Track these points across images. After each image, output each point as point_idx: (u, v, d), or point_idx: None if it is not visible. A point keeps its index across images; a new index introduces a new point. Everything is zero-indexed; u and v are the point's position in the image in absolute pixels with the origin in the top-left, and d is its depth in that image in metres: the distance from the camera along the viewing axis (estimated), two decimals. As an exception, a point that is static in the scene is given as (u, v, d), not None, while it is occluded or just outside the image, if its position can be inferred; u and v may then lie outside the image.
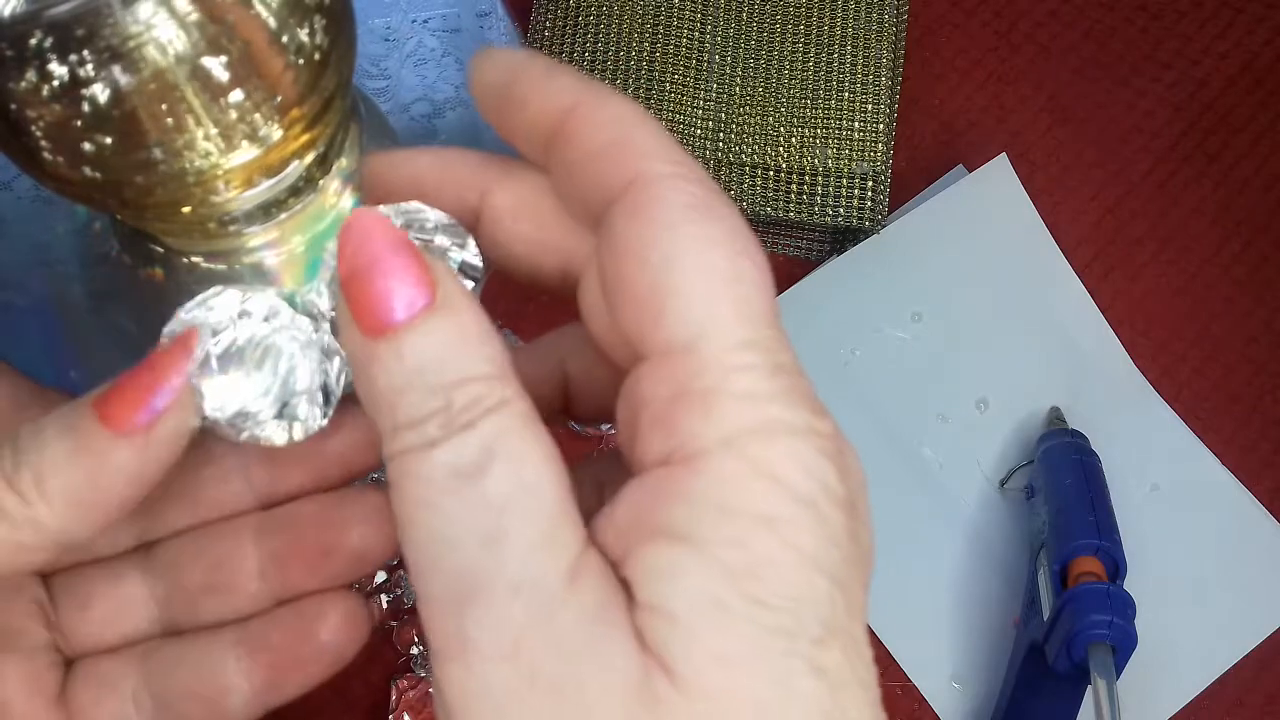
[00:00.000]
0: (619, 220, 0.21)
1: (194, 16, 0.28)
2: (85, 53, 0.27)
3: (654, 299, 0.20)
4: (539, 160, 0.23)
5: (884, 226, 0.50)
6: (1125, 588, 0.42)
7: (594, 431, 0.48)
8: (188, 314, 0.23)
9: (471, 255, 0.23)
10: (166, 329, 0.23)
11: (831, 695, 0.19)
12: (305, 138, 0.32)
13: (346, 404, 0.24)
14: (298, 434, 0.24)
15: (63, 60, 0.27)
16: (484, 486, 0.19)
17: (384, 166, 0.24)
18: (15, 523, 0.22)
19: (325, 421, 0.24)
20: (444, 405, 0.20)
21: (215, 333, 0.23)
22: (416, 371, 0.20)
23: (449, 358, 0.20)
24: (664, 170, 0.21)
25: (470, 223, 0.24)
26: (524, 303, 0.49)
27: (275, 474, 0.25)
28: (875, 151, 0.49)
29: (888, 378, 0.50)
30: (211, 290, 0.23)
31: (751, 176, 0.50)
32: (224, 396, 0.23)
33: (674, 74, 0.50)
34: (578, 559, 0.19)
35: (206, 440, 0.24)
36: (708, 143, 0.49)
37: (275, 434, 0.24)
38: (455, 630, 0.19)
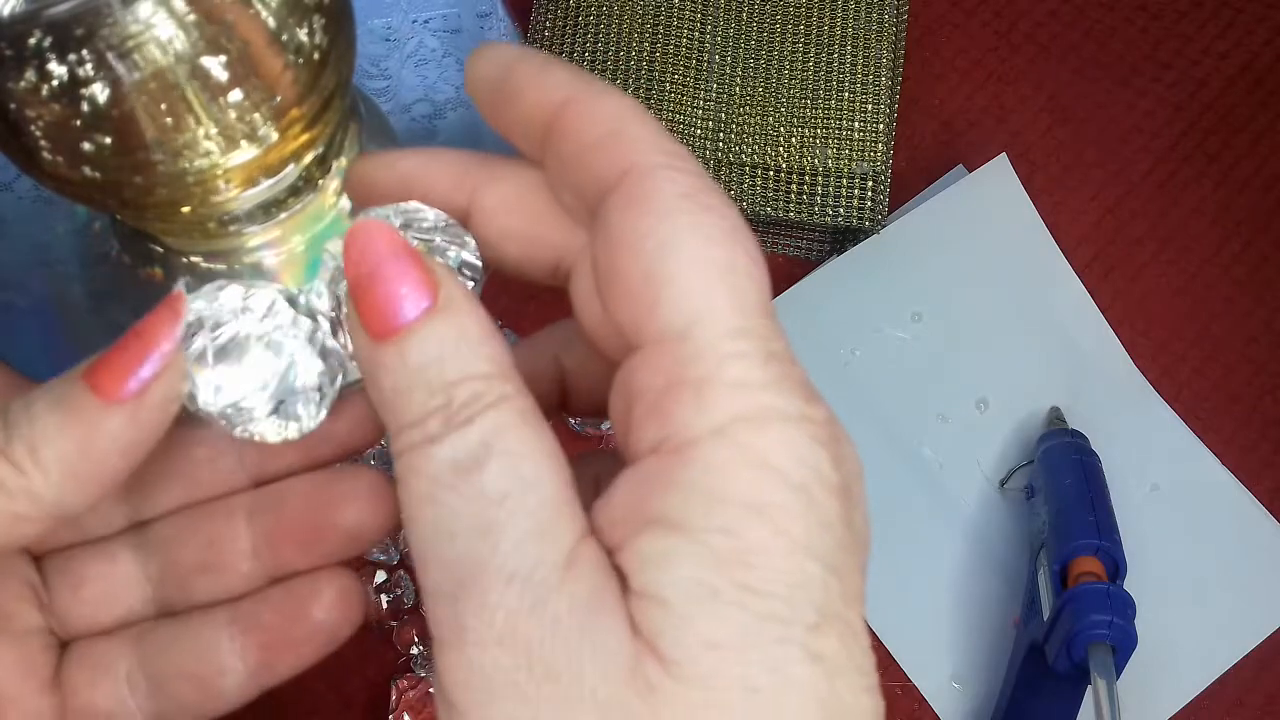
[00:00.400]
0: (613, 211, 0.21)
1: (193, 16, 0.28)
2: (84, 52, 0.27)
3: (648, 288, 0.20)
4: (535, 155, 0.23)
5: (884, 226, 0.50)
6: (1125, 588, 0.42)
7: (594, 431, 0.48)
8: (189, 305, 0.23)
9: (471, 254, 0.24)
10: None
11: (828, 681, 0.19)
12: (305, 137, 0.32)
13: (342, 395, 0.24)
14: (292, 432, 0.24)
15: (62, 60, 0.27)
16: (482, 480, 0.20)
17: (370, 169, 0.25)
18: (11, 493, 0.22)
19: (319, 421, 0.24)
20: (445, 403, 0.20)
21: (216, 326, 0.23)
22: (419, 372, 0.20)
23: (449, 357, 0.21)
24: (658, 161, 0.21)
25: (460, 222, 0.24)
26: (524, 302, 0.49)
27: (268, 453, 0.25)
28: (875, 151, 0.49)
29: (888, 378, 0.50)
30: (214, 284, 0.23)
31: (751, 176, 0.50)
32: (220, 391, 0.23)
33: (674, 74, 0.50)
34: (574, 549, 0.20)
35: (199, 420, 0.25)
36: (708, 143, 0.49)
37: (269, 431, 0.24)
38: (452, 619, 0.19)
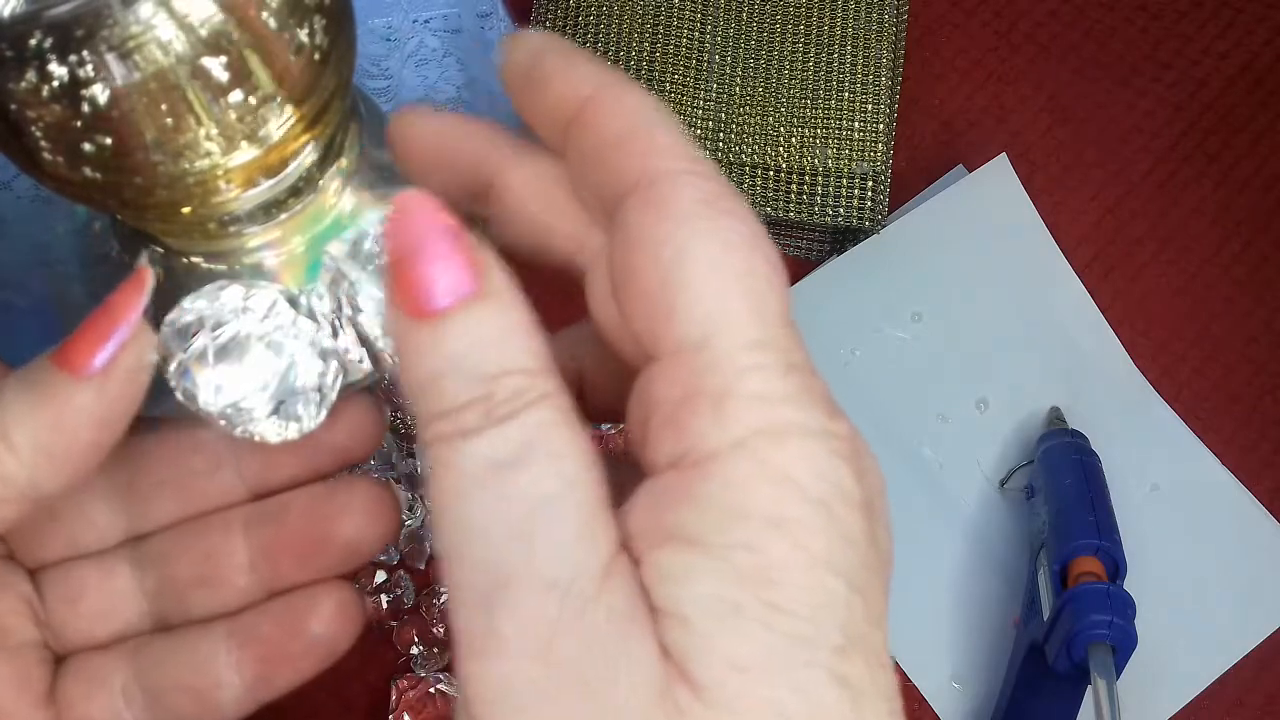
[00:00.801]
0: (631, 214, 0.20)
1: (193, 17, 0.28)
2: (85, 53, 0.27)
3: (665, 295, 0.20)
4: (558, 146, 0.22)
5: (884, 226, 0.50)
6: (1125, 588, 0.42)
7: (594, 431, 0.48)
8: (191, 305, 0.23)
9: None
10: (169, 317, 0.24)
11: (854, 708, 0.18)
12: (305, 138, 0.32)
13: (342, 397, 0.24)
14: (291, 433, 0.24)
15: (62, 61, 0.27)
16: (522, 480, 0.19)
17: (410, 120, 0.24)
18: None
19: (319, 423, 0.24)
20: (485, 395, 0.19)
21: (217, 326, 0.23)
22: (457, 359, 0.19)
23: (492, 348, 0.20)
24: (679, 166, 0.20)
25: (480, 194, 0.23)
26: (535, 301, 0.49)
27: (267, 463, 0.25)
28: (875, 151, 0.49)
29: (888, 378, 0.50)
30: (216, 283, 0.23)
31: (751, 176, 0.50)
32: (221, 391, 0.23)
33: (674, 74, 0.50)
34: (611, 558, 0.19)
35: (196, 430, 0.24)
36: (708, 143, 0.49)
37: (269, 431, 0.24)
38: (483, 626, 0.19)
